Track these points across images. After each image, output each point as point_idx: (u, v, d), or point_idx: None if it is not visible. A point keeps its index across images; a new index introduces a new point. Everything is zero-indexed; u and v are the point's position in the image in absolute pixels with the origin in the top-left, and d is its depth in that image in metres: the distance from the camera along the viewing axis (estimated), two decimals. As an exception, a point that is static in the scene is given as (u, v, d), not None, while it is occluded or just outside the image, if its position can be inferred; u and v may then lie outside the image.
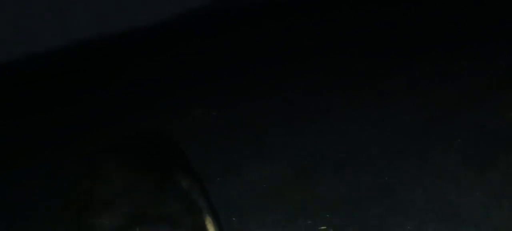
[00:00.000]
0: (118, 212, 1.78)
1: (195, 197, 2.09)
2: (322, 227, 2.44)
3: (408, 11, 5.57)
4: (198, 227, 1.87)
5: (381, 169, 2.84)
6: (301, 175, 2.89)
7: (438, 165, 2.80)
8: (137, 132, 3.66)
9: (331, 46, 4.96)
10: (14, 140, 3.70)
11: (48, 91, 4.51)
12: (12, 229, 2.75)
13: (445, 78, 3.92)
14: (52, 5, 5.45)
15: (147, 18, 5.85)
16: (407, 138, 3.14)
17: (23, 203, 2.93)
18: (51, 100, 4.33)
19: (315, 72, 4.38)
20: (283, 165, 3.01)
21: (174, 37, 5.60)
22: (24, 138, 3.74)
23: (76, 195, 2.13)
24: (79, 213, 1.96)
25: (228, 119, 3.69)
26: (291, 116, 3.65)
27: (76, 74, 4.84)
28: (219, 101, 3.95)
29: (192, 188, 2.13)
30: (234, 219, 2.56)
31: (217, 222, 2.12)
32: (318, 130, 3.41)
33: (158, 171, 2.12)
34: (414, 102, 3.61)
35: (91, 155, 2.25)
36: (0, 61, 5.09)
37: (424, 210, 2.46)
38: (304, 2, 5.99)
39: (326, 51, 4.85)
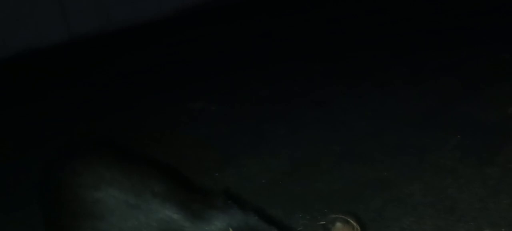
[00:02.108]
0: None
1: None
2: (321, 222, 2.44)
3: (408, 3, 5.57)
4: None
5: (380, 163, 2.84)
6: (299, 169, 2.89)
7: (437, 159, 2.80)
8: (134, 126, 3.67)
9: (329, 38, 4.96)
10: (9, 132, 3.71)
11: (47, 83, 4.52)
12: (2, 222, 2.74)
13: (445, 71, 3.92)
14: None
15: (148, 13, 5.85)
16: (406, 132, 3.13)
17: (17, 196, 2.92)
18: (50, 93, 4.33)
19: (314, 65, 4.38)
20: (282, 159, 3.00)
21: (174, 32, 5.61)
22: (20, 129, 3.74)
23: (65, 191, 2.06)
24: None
25: (226, 113, 3.69)
26: (289, 109, 3.65)
27: (75, 68, 4.85)
28: (218, 96, 3.95)
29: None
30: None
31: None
32: (317, 123, 3.41)
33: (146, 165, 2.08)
34: (413, 96, 3.61)
35: (78, 151, 2.17)
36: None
37: (423, 205, 2.45)
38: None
39: (325, 44, 4.85)
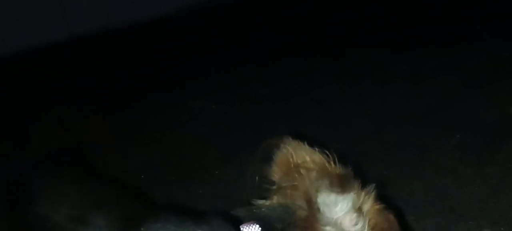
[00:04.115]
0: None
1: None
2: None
3: (408, 1, 5.55)
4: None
5: (380, 161, 2.84)
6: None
7: (437, 157, 2.80)
8: (134, 126, 3.66)
9: (329, 37, 4.95)
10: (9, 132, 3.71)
11: (47, 82, 4.52)
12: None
13: (445, 69, 3.91)
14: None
15: (148, 12, 5.84)
16: (406, 130, 3.13)
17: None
18: (50, 93, 4.33)
19: (314, 63, 4.37)
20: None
21: (174, 31, 5.59)
22: (20, 129, 3.75)
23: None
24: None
25: (226, 111, 3.69)
26: (290, 108, 3.65)
27: (75, 67, 4.84)
28: (218, 94, 3.95)
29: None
30: (232, 212, 2.55)
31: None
32: (317, 122, 3.40)
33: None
34: (413, 95, 3.61)
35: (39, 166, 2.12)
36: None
37: (423, 203, 2.45)
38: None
39: (325, 42, 4.84)
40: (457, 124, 3.09)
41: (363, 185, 1.35)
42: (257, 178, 1.45)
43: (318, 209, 1.28)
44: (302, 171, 1.34)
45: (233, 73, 4.32)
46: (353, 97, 3.70)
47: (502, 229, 2.22)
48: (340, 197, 1.28)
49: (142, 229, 1.53)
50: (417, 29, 4.79)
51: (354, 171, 1.36)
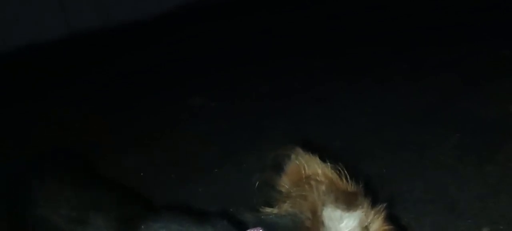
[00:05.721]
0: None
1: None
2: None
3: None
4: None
5: (380, 159, 2.84)
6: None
7: (437, 156, 2.79)
8: (134, 126, 3.67)
9: (329, 35, 4.95)
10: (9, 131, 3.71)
11: (47, 82, 4.52)
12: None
13: (445, 67, 3.90)
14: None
15: (148, 10, 5.85)
16: (406, 129, 3.13)
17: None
18: (50, 92, 4.34)
19: (314, 61, 4.37)
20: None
21: (174, 29, 5.59)
22: (20, 128, 3.75)
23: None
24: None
25: (226, 109, 3.69)
26: (290, 106, 3.65)
27: (75, 66, 4.84)
28: (218, 92, 3.95)
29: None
30: (231, 209, 2.56)
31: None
32: (317, 120, 3.40)
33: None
34: (413, 93, 3.60)
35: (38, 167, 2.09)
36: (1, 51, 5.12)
37: (422, 202, 2.45)
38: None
39: (325, 41, 4.84)
40: (457, 122, 3.08)
41: (373, 205, 1.34)
42: (258, 183, 1.44)
43: (323, 223, 1.27)
44: (312, 182, 1.33)
45: (233, 72, 4.32)
46: (353, 95, 3.69)
47: (501, 228, 2.22)
48: (346, 214, 1.27)
49: (142, 227, 1.54)
50: (417, 27, 4.78)
51: (365, 189, 1.34)
